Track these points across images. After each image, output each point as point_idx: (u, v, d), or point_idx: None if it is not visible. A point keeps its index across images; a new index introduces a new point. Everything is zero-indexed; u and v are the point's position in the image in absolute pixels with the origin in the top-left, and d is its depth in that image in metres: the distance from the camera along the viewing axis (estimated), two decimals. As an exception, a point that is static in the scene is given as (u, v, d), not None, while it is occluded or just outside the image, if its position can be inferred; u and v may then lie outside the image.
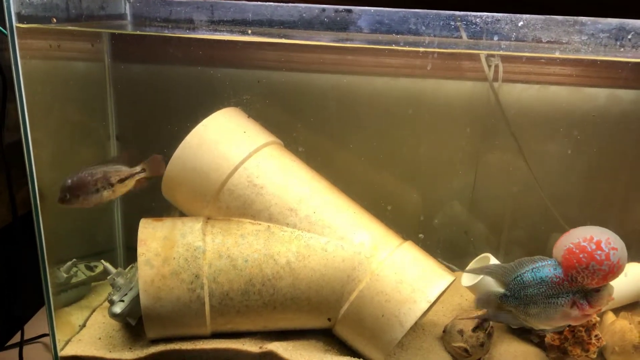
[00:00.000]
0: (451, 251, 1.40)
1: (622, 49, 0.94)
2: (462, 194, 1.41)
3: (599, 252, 0.89)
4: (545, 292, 0.94)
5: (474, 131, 1.36)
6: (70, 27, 1.05)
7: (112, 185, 0.92)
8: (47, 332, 1.07)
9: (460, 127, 1.35)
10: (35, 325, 1.24)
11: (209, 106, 1.12)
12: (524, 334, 1.20)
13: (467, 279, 1.24)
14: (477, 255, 1.29)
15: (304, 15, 0.96)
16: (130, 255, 1.37)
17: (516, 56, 1.25)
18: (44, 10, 0.95)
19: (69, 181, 0.92)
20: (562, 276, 0.93)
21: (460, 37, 0.96)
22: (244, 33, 0.99)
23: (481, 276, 1.18)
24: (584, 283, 0.92)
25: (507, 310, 0.98)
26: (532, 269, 0.95)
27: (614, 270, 0.91)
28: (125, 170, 0.96)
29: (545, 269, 0.94)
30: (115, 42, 1.28)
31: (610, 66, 1.27)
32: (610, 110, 1.31)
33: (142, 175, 0.98)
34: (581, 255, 0.90)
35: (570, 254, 0.91)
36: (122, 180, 0.95)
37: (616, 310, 1.21)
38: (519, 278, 0.95)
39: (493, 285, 1.02)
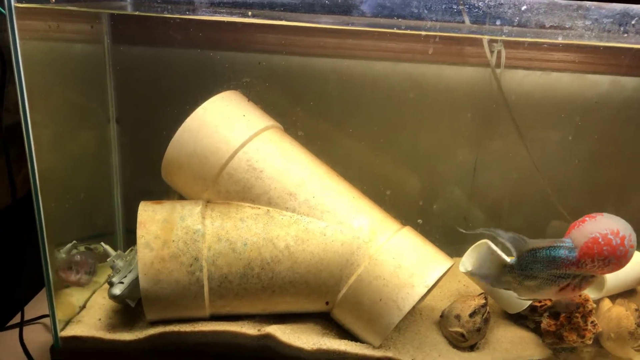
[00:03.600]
0: (450, 237, 1.40)
1: (625, 35, 0.93)
2: (462, 180, 1.41)
3: (621, 248, 0.88)
4: (550, 271, 0.92)
5: (475, 117, 1.35)
6: (69, 7, 1.04)
7: (92, 272, 1.18)
8: (47, 313, 1.08)
9: (461, 113, 1.35)
10: (35, 306, 1.25)
11: (209, 89, 1.12)
12: (520, 319, 1.21)
13: (465, 264, 1.25)
14: (475, 242, 1.29)
15: (306, -3, 0.95)
16: (130, 238, 1.37)
17: (519, 41, 1.24)
18: (43, -10, 0.94)
19: (78, 257, 1.14)
20: (574, 260, 0.91)
21: (463, 22, 0.95)
22: (244, 15, 0.98)
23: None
24: (591, 271, 0.92)
25: (505, 279, 0.96)
26: (548, 247, 0.92)
27: (623, 266, 0.91)
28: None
29: (561, 250, 0.92)
30: (114, 24, 1.27)
31: (613, 53, 1.26)
32: (613, 97, 1.31)
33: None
34: (604, 248, 0.88)
35: (594, 243, 0.89)
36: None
37: (613, 297, 1.22)
38: (532, 252, 0.93)
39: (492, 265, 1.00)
